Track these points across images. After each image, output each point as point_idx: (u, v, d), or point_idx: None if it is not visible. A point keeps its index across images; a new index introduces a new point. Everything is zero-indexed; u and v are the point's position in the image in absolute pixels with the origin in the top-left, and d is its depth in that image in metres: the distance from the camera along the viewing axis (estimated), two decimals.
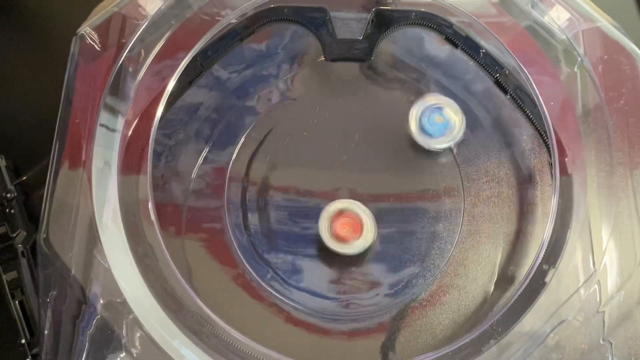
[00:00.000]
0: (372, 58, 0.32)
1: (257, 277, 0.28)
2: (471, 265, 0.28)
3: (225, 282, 0.28)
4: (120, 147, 0.26)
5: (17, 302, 0.28)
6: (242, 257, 0.28)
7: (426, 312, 0.27)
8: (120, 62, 0.27)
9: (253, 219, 0.29)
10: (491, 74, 0.31)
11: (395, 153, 0.30)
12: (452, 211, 0.29)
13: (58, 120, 0.27)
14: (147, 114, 0.27)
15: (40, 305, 0.24)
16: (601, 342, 0.24)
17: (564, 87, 0.28)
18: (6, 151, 0.32)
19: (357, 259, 0.28)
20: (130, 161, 0.26)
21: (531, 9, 0.29)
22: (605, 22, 0.29)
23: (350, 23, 0.31)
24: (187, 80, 0.31)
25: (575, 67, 0.28)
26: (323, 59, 0.32)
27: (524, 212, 0.29)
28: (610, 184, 0.26)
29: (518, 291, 0.25)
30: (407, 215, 0.29)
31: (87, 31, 0.28)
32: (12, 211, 0.30)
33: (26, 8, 0.37)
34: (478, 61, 0.31)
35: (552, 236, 0.25)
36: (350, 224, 0.27)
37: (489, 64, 0.31)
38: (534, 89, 0.28)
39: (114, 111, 0.27)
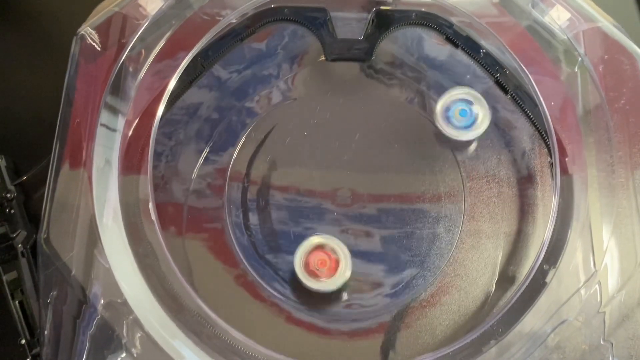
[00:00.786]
0: (373, 58, 0.32)
1: (257, 277, 0.28)
2: (471, 266, 0.28)
3: (225, 282, 0.28)
4: (120, 147, 0.26)
5: (17, 302, 0.28)
6: (242, 257, 0.28)
7: (426, 312, 0.27)
8: (121, 61, 0.27)
9: (253, 218, 0.29)
10: (492, 74, 0.31)
11: (396, 153, 0.30)
12: (452, 211, 0.29)
13: (59, 120, 0.27)
14: (147, 114, 0.27)
15: (40, 305, 0.24)
16: (602, 342, 0.24)
17: (565, 87, 0.28)
18: (6, 151, 0.32)
19: (330, 295, 0.27)
20: (131, 161, 0.26)
21: (532, 9, 0.29)
22: (605, 22, 0.29)
23: (350, 23, 0.31)
24: (188, 80, 0.31)
25: (576, 67, 0.28)
26: (323, 59, 0.32)
27: (525, 212, 0.29)
28: (610, 184, 0.26)
29: (518, 291, 0.25)
30: (408, 215, 0.29)
31: (88, 31, 0.28)
32: (12, 211, 0.30)
33: (26, 8, 0.37)
34: (478, 61, 0.31)
35: (552, 236, 0.25)
36: (325, 261, 0.26)
37: (490, 64, 0.31)
38: (534, 89, 0.28)
39: (114, 111, 0.27)
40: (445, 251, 0.28)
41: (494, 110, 0.31)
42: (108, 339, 0.23)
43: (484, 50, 0.31)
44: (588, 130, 0.27)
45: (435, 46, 0.32)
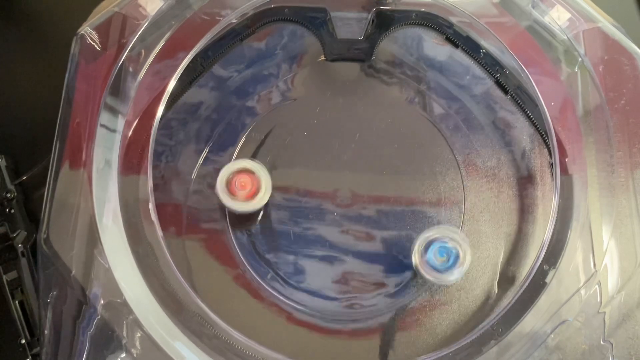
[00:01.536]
0: (373, 58, 0.32)
1: (257, 278, 0.28)
2: (472, 266, 0.28)
3: (225, 282, 0.28)
4: (120, 147, 0.26)
5: (17, 302, 0.28)
6: (242, 257, 0.28)
7: (427, 312, 0.27)
8: (121, 62, 0.27)
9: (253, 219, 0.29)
10: (492, 74, 0.31)
11: (396, 153, 0.30)
12: (452, 211, 0.29)
13: (58, 120, 0.27)
14: (147, 114, 0.27)
15: (40, 305, 0.24)
16: (602, 342, 0.24)
17: (565, 87, 0.28)
18: (6, 151, 0.32)
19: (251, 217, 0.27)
20: (131, 161, 0.26)
21: (532, 9, 0.29)
22: (606, 22, 0.29)
23: (350, 23, 0.31)
24: (188, 80, 0.31)
25: (576, 67, 0.28)
26: (323, 59, 0.32)
27: (525, 212, 0.29)
28: (610, 184, 0.26)
29: (519, 292, 0.25)
30: (408, 215, 0.29)
31: (88, 31, 0.28)
32: (12, 211, 0.30)
33: (26, 8, 0.36)
34: (478, 61, 0.31)
35: (552, 236, 0.25)
36: (247, 184, 0.27)
37: (490, 64, 0.31)
38: (534, 89, 0.28)
39: (114, 111, 0.27)
40: None
41: (493, 110, 0.31)
42: (108, 339, 0.23)
43: (484, 51, 0.31)
44: (588, 130, 0.27)
45: (435, 46, 0.32)
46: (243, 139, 0.30)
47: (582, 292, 0.24)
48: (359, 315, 0.27)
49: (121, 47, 0.28)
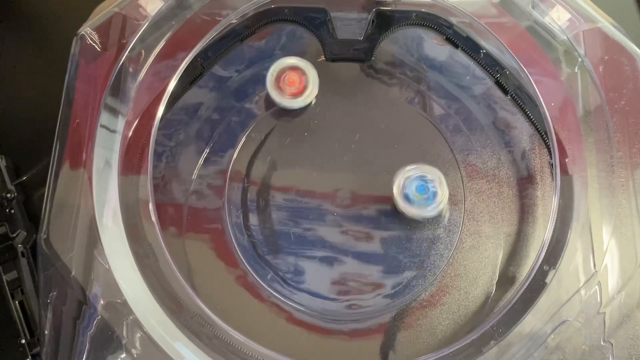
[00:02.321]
0: (373, 58, 0.32)
1: (257, 278, 0.28)
2: (471, 266, 0.28)
3: (225, 283, 0.28)
4: (120, 147, 0.26)
5: (17, 302, 0.28)
6: (242, 257, 0.28)
7: (426, 312, 0.27)
8: (121, 62, 0.27)
9: (253, 219, 0.29)
10: (492, 75, 0.31)
11: (396, 153, 0.30)
12: (452, 212, 0.29)
13: (59, 120, 0.27)
14: (147, 115, 0.27)
15: (40, 306, 0.24)
16: (602, 343, 0.24)
17: (565, 88, 0.28)
18: (6, 151, 0.32)
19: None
20: (131, 162, 0.26)
21: (532, 9, 0.29)
22: (606, 23, 0.29)
23: (350, 23, 0.31)
24: (188, 81, 0.31)
25: (576, 68, 0.28)
26: (323, 59, 0.32)
27: (525, 212, 0.29)
28: (610, 184, 0.26)
29: (519, 292, 0.25)
30: (408, 216, 0.29)
31: (88, 31, 0.28)
32: (12, 211, 0.30)
33: (27, 9, 0.36)
34: (478, 62, 0.31)
35: (552, 237, 0.25)
36: (295, 82, 0.28)
37: (490, 65, 0.31)
38: (534, 90, 0.28)
39: (114, 112, 0.27)
40: (445, 251, 0.28)
41: (493, 110, 0.31)
42: (108, 339, 0.23)
43: (484, 51, 0.31)
44: (588, 131, 0.27)
45: (435, 47, 0.32)
46: (243, 140, 0.30)
47: (582, 292, 0.24)
48: (359, 315, 0.27)
49: (121, 48, 0.28)
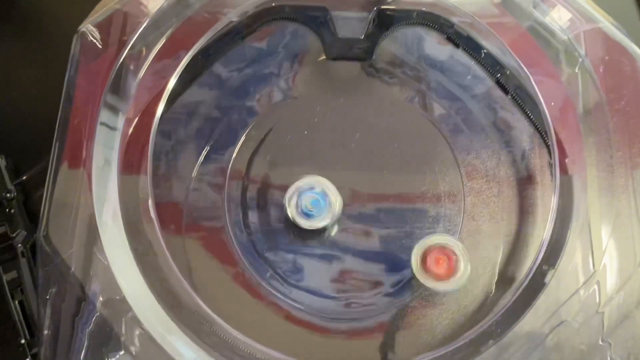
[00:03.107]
0: (373, 57, 0.32)
1: (256, 276, 0.28)
2: (471, 266, 0.28)
3: (224, 281, 0.28)
4: (120, 145, 0.26)
5: (17, 302, 0.28)
6: (241, 255, 0.28)
7: (426, 312, 0.27)
8: (121, 60, 0.27)
9: (253, 217, 0.29)
10: (492, 74, 0.31)
11: (396, 152, 0.30)
12: (452, 211, 0.29)
13: (59, 117, 0.27)
14: (147, 113, 0.27)
15: (39, 302, 0.24)
16: (600, 342, 0.24)
17: (565, 88, 0.28)
18: (6, 151, 0.32)
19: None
20: (131, 160, 0.26)
21: (533, 9, 0.29)
22: (606, 23, 0.29)
23: (351, 22, 0.31)
24: (188, 79, 0.31)
25: (576, 68, 0.28)
26: (324, 58, 0.32)
27: (524, 212, 0.29)
28: (610, 185, 0.26)
29: (517, 291, 0.25)
30: (407, 214, 0.29)
31: (89, 28, 0.28)
32: (12, 211, 0.30)
33: (25, 7, 0.36)
34: (479, 61, 0.31)
35: (552, 236, 0.25)
36: (444, 261, 0.26)
37: (490, 64, 0.31)
38: (535, 90, 0.28)
39: (114, 109, 0.27)
40: None
41: (494, 110, 0.31)
42: (106, 336, 0.23)
43: (485, 51, 0.31)
44: (588, 131, 0.27)
45: (436, 46, 0.32)
46: (243, 138, 0.30)
47: (581, 292, 0.24)
48: (358, 314, 0.27)
49: (122, 45, 0.28)
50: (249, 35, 0.32)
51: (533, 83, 0.28)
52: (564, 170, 0.26)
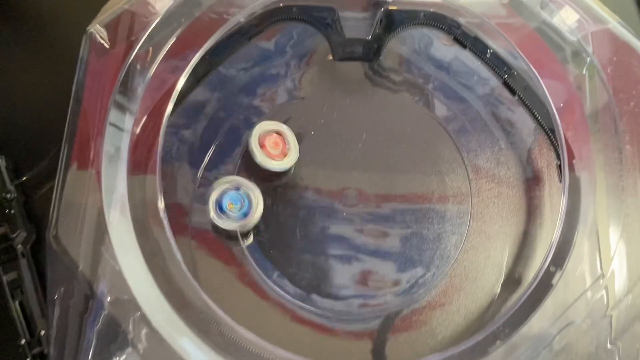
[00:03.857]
0: (380, 58, 0.32)
1: (263, 276, 0.28)
2: (478, 267, 0.28)
3: (231, 281, 0.28)
4: (129, 145, 0.26)
5: (17, 302, 0.28)
6: (248, 255, 0.28)
7: (432, 313, 0.27)
8: (130, 60, 0.27)
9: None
10: (499, 75, 0.31)
11: (403, 153, 0.30)
12: (459, 212, 0.29)
13: (68, 117, 0.27)
14: (155, 113, 0.27)
15: (47, 301, 0.24)
16: (608, 346, 0.23)
17: (573, 89, 0.28)
18: (6, 151, 0.32)
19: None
20: (139, 160, 0.27)
21: (541, 10, 0.29)
22: (615, 24, 0.28)
23: (358, 23, 0.31)
24: (196, 79, 0.31)
25: (585, 69, 0.28)
26: (331, 58, 0.32)
27: (532, 213, 0.29)
28: (619, 186, 0.26)
29: (525, 293, 0.25)
30: (414, 215, 0.29)
31: (97, 28, 0.28)
32: (12, 211, 0.30)
33: (29, 8, 0.36)
34: (486, 62, 0.31)
35: (560, 238, 0.25)
36: (278, 144, 0.29)
37: (498, 65, 0.31)
38: (542, 90, 0.28)
39: (123, 109, 0.27)
40: (451, 252, 0.28)
41: (501, 111, 0.31)
42: (114, 334, 0.23)
43: (492, 51, 0.31)
44: (596, 132, 0.27)
45: (442, 47, 0.32)
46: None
47: (589, 294, 0.24)
48: (365, 314, 0.27)
49: (130, 45, 0.28)
50: (257, 35, 0.32)
51: (541, 83, 0.28)
52: (572, 171, 0.26)
